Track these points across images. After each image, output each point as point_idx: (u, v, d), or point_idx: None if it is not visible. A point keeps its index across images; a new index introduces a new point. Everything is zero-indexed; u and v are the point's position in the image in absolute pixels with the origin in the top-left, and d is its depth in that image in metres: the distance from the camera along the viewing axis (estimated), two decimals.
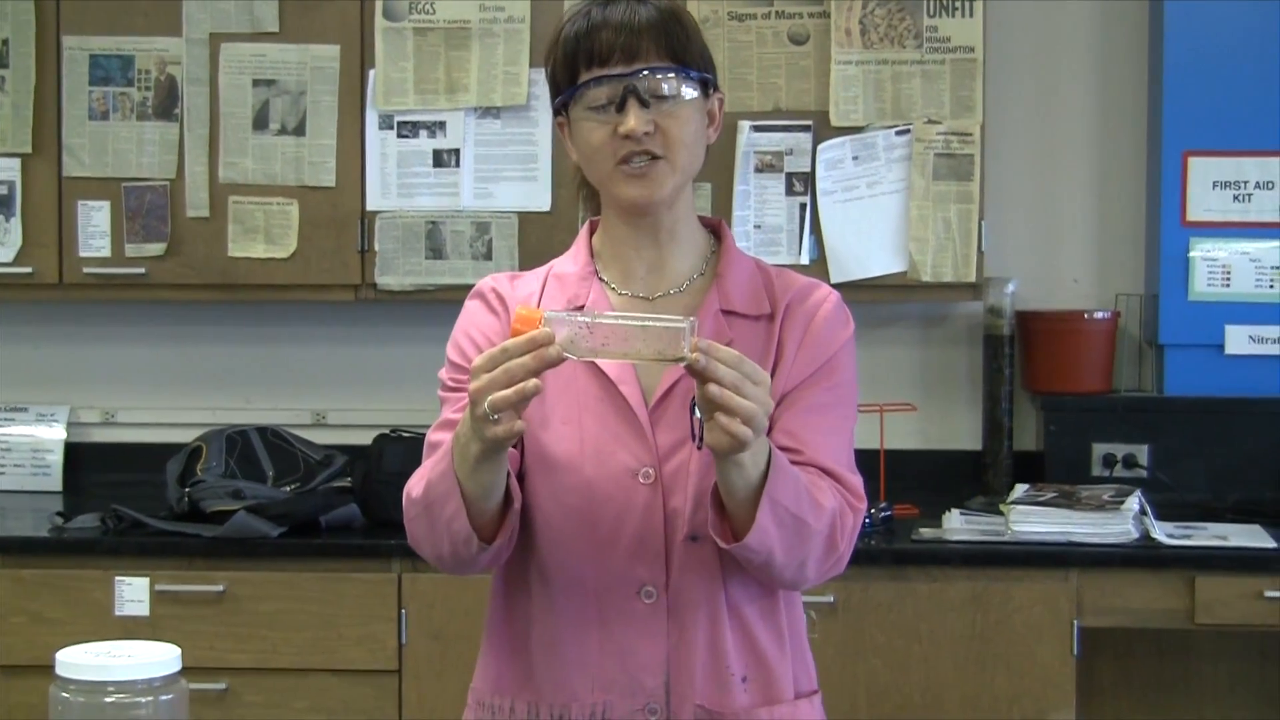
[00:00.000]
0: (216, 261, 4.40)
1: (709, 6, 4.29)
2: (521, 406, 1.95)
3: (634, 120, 2.15)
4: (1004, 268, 4.57)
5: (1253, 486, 4.35)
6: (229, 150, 4.40)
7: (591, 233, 2.35)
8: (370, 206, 4.39)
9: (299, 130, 4.39)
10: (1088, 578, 3.89)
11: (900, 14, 4.30)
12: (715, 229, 2.36)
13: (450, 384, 2.28)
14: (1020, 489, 4.19)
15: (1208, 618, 3.88)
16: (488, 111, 4.37)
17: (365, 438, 4.34)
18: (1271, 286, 4.38)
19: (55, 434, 4.79)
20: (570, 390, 2.21)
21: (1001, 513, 4.04)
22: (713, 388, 1.91)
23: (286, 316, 4.79)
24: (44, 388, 4.85)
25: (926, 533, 4.03)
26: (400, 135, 4.38)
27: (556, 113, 2.27)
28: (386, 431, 4.28)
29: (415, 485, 2.18)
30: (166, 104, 4.41)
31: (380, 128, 4.38)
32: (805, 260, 4.30)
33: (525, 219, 4.36)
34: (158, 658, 1.77)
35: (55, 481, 4.75)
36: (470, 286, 2.35)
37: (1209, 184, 4.40)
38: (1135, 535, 3.93)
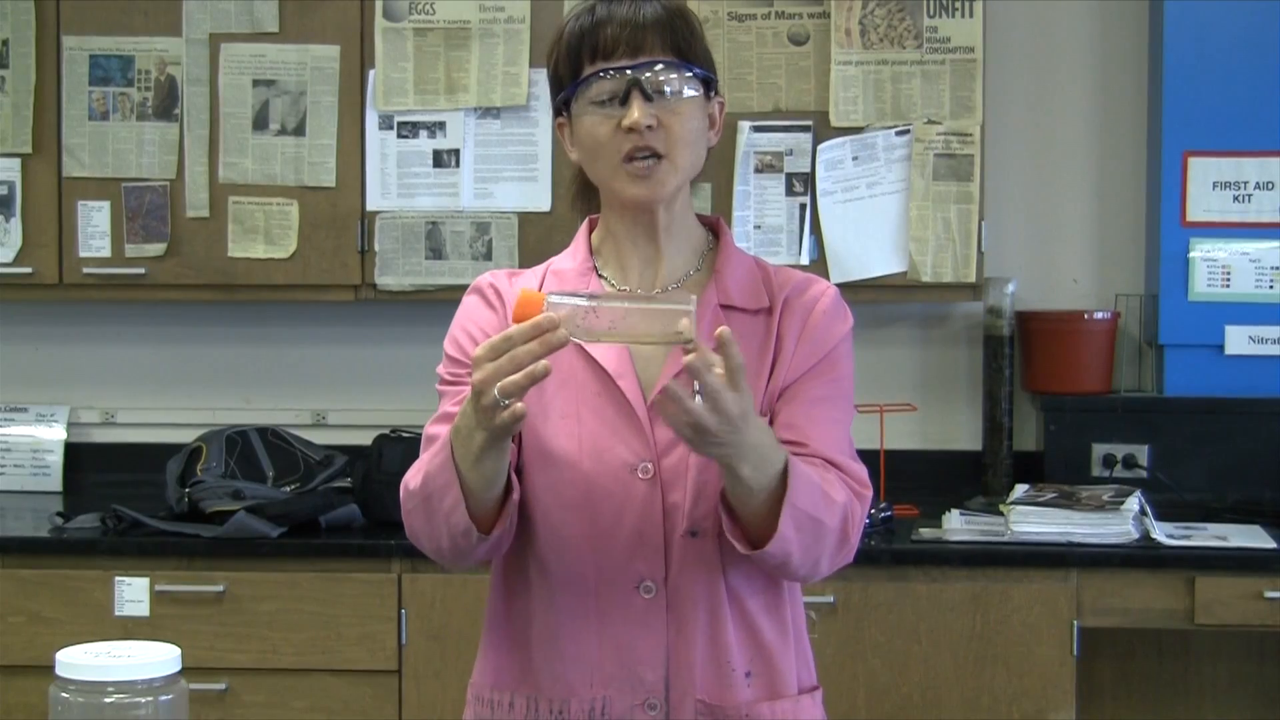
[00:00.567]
0: (216, 261, 4.40)
1: (709, 7, 4.29)
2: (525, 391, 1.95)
3: (638, 112, 2.16)
4: (1004, 268, 4.57)
5: (1253, 487, 4.34)
6: (229, 150, 4.40)
7: (590, 230, 2.36)
8: (370, 207, 4.39)
9: (299, 130, 4.39)
10: (1087, 578, 3.89)
11: (900, 14, 4.30)
12: (713, 227, 2.37)
13: (448, 378, 2.28)
14: (1020, 489, 4.19)
15: (1208, 618, 3.88)
16: (487, 112, 4.37)
17: (365, 438, 4.34)
18: (1271, 287, 4.38)
19: (55, 434, 4.79)
20: (569, 385, 2.21)
21: (1001, 513, 4.04)
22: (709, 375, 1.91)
23: (286, 317, 4.79)
24: (44, 388, 4.85)
25: (926, 533, 4.03)
26: (400, 135, 4.38)
27: (557, 112, 2.28)
28: (386, 432, 4.28)
29: (413, 478, 2.17)
30: (166, 104, 4.41)
31: (380, 128, 4.38)
32: (805, 260, 4.30)
33: (525, 219, 4.36)
34: (158, 658, 1.76)
35: (55, 482, 4.75)
36: (463, 291, 2.35)
37: (1209, 184, 4.40)
38: (1135, 535, 3.93)
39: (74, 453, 4.80)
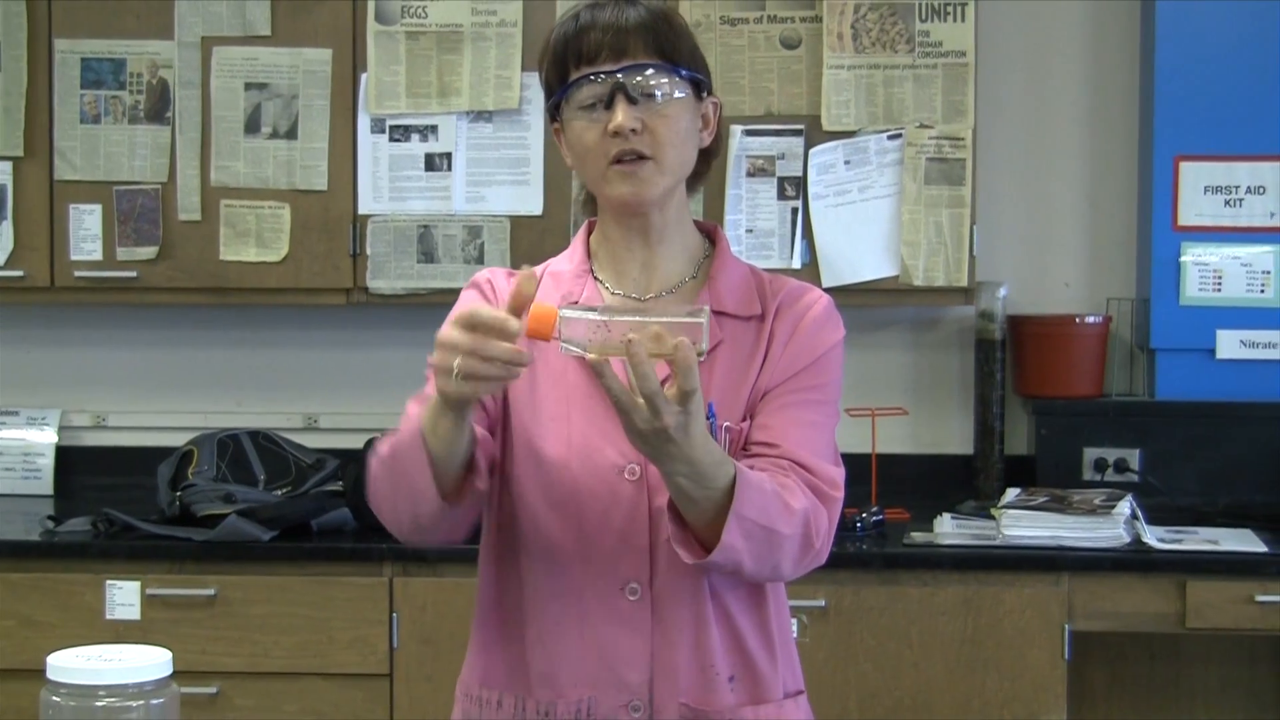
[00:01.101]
0: (208, 265, 4.40)
1: (701, 11, 4.30)
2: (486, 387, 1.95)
3: (622, 116, 2.16)
4: (996, 272, 4.57)
5: (1244, 491, 4.35)
6: (221, 154, 4.39)
7: (589, 233, 2.37)
8: (362, 210, 4.38)
9: (291, 134, 4.38)
10: (1079, 582, 3.90)
11: (892, 18, 4.30)
12: (710, 234, 2.37)
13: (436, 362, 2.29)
14: (1011, 493, 4.19)
15: (1199, 622, 3.89)
16: (479, 115, 4.37)
17: (357, 441, 4.33)
18: (1263, 291, 4.39)
19: (46, 437, 4.78)
20: (560, 385, 2.22)
21: (993, 517, 4.04)
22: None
23: (278, 320, 4.78)
24: (35, 391, 4.84)
25: (918, 536, 4.03)
26: (392, 139, 4.38)
27: (552, 117, 2.28)
28: (378, 435, 4.25)
29: (384, 445, 2.17)
30: (158, 107, 4.40)
31: (372, 131, 4.38)
32: (797, 264, 4.31)
33: (517, 223, 4.36)
34: (149, 661, 1.76)
35: (46, 485, 4.74)
36: (459, 292, 2.36)
37: (1200, 188, 4.41)
38: (1126, 539, 3.93)
39: (65, 456, 4.79)
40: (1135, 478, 4.38)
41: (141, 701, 1.74)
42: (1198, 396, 4.41)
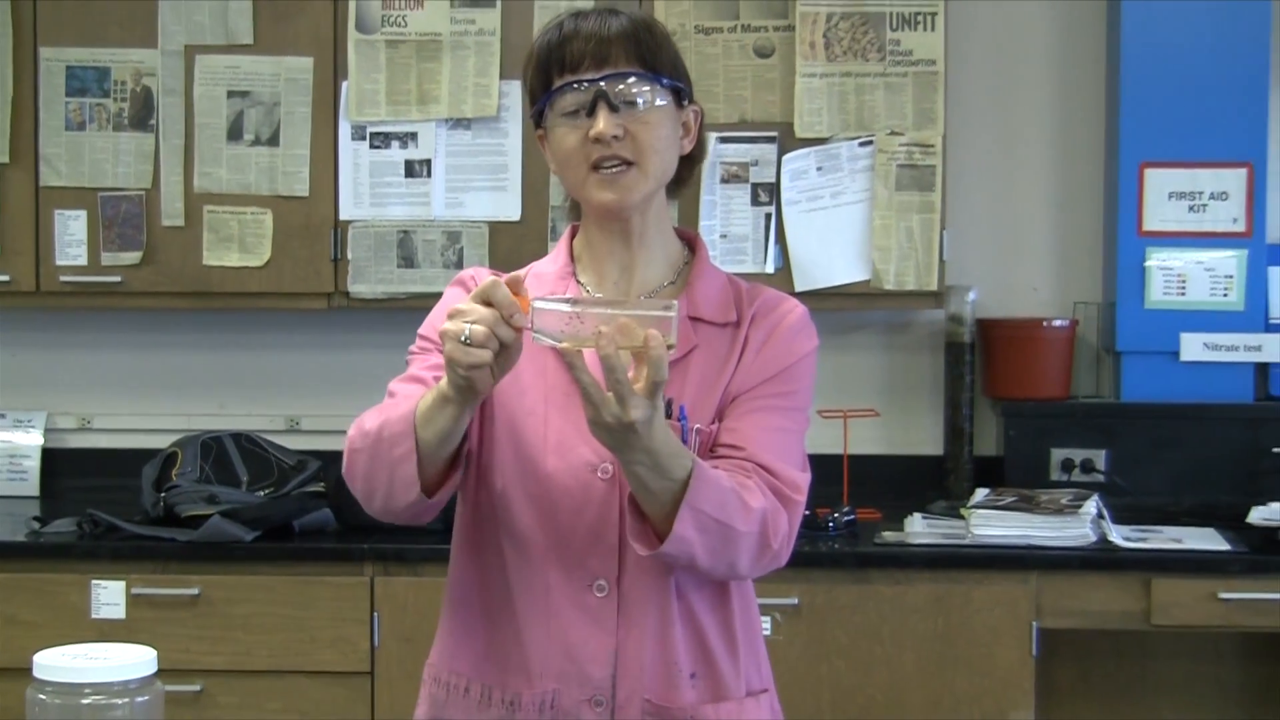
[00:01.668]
0: (191, 270, 4.39)
1: (676, 20, 4.30)
2: (496, 361, 1.98)
3: (603, 123, 2.17)
4: (965, 276, 4.58)
5: (1208, 490, 4.36)
6: (204, 160, 4.39)
7: (573, 237, 2.38)
8: (343, 216, 4.38)
9: (273, 141, 4.38)
10: (1046, 580, 3.91)
11: (863, 28, 4.31)
12: (690, 242, 2.38)
13: (416, 350, 2.32)
14: (981, 493, 4.20)
15: (1164, 619, 3.90)
16: (459, 123, 4.37)
17: (338, 443, 4.24)
18: (1226, 295, 4.40)
19: (32, 440, 4.77)
20: (540, 382, 2.23)
21: (962, 516, 4.05)
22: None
23: (260, 324, 4.78)
24: (21, 394, 4.83)
25: (889, 536, 4.03)
26: (372, 146, 4.38)
27: (536, 124, 2.29)
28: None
29: (369, 418, 2.18)
30: (142, 114, 4.40)
31: (353, 138, 4.38)
32: (770, 269, 4.31)
33: (495, 228, 4.36)
34: (133, 660, 1.76)
35: (32, 486, 4.73)
36: (441, 294, 2.36)
37: (1165, 195, 4.42)
38: (1093, 538, 3.94)
39: (51, 458, 4.78)
40: (1101, 478, 4.39)
41: (126, 699, 1.74)
42: (1162, 398, 4.42)
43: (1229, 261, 4.41)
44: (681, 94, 2.27)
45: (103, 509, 4.13)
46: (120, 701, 1.74)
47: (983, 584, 3.91)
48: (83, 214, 4.40)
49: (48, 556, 4.05)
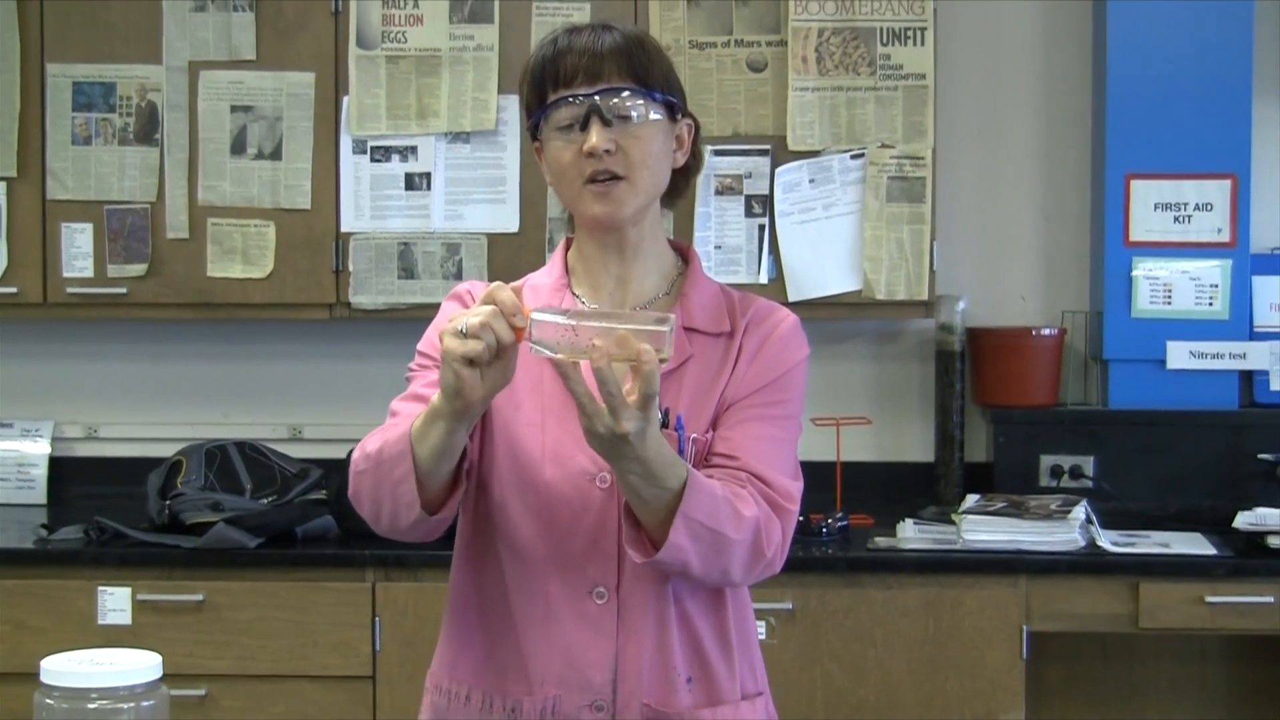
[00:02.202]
0: (196, 281, 4.39)
1: (671, 35, 4.30)
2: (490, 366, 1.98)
3: (595, 137, 2.17)
4: (955, 286, 4.58)
5: (1194, 495, 4.36)
6: (208, 174, 4.39)
7: (568, 249, 2.38)
8: (344, 228, 4.38)
9: (275, 155, 4.38)
10: (1036, 584, 3.91)
11: (854, 42, 4.31)
12: (684, 253, 2.38)
13: (415, 367, 2.31)
14: (971, 499, 4.20)
15: (1151, 622, 3.90)
16: (457, 136, 4.37)
17: (340, 451, 4.30)
18: (1211, 304, 4.40)
19: (40, 448, 4.76)
20: (537, 393, 2.23)
21: (953, 522, 4.05)
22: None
23: (263, 334, 4.77)
24: (29, 404, 4.82)
25: (881, 541, 4.03)
26: (373, 159, 4.38)
27: (533, 137, 2.29)
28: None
29: (371, 441, 2.17)
30: (147, 129, 4.40)
31: (354, 152, 4.38)
32: (764, 280, 4.31)
33: (494, 240, 4.36)
34: (139, 665, 1.76)
35: (40, 494, 4.73)
36: (440, 306, 2.36)
37: (1150, 205, 4.42)
38: (1081, 543, 3.94)
39: (58, 466, 4.77)
40: (1090, 484, 4.39)
41: (132, 704, 1.74)
42: (1149, 405, 4.42)
43: (1214, 271, 4.41)
44: (674, 108, 2.27)
45: (109, 516, 4.12)
46: (126, 706, 1.74)
47: (973, 588, 3.91)
48: (89, 227, 4.40)
49: (55, 563, 4.05)
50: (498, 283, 2.00)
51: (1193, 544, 4.02)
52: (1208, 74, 4.38)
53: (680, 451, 2.14)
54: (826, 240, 4.33)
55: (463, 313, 1.99)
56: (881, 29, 4.31)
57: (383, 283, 4.37)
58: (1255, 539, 4.00)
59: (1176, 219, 4.41)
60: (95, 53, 4.40)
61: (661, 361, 1.91)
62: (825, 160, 4.33)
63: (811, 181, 4.33)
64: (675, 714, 2.23)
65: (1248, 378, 4.46)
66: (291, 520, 4.12)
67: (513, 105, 4.30)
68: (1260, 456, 4.36)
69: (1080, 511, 4.00)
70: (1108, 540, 3.97)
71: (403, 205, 4.38)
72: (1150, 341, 4.42)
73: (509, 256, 4.32)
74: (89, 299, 4.41)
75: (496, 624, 2.26)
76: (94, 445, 4.83)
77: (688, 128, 2.31)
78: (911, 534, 4.08)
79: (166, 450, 4.41)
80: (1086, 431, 4.45)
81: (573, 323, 1.93)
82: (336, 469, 4.24)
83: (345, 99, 4.37)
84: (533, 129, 2.27)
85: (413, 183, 4.38)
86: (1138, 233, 4.43)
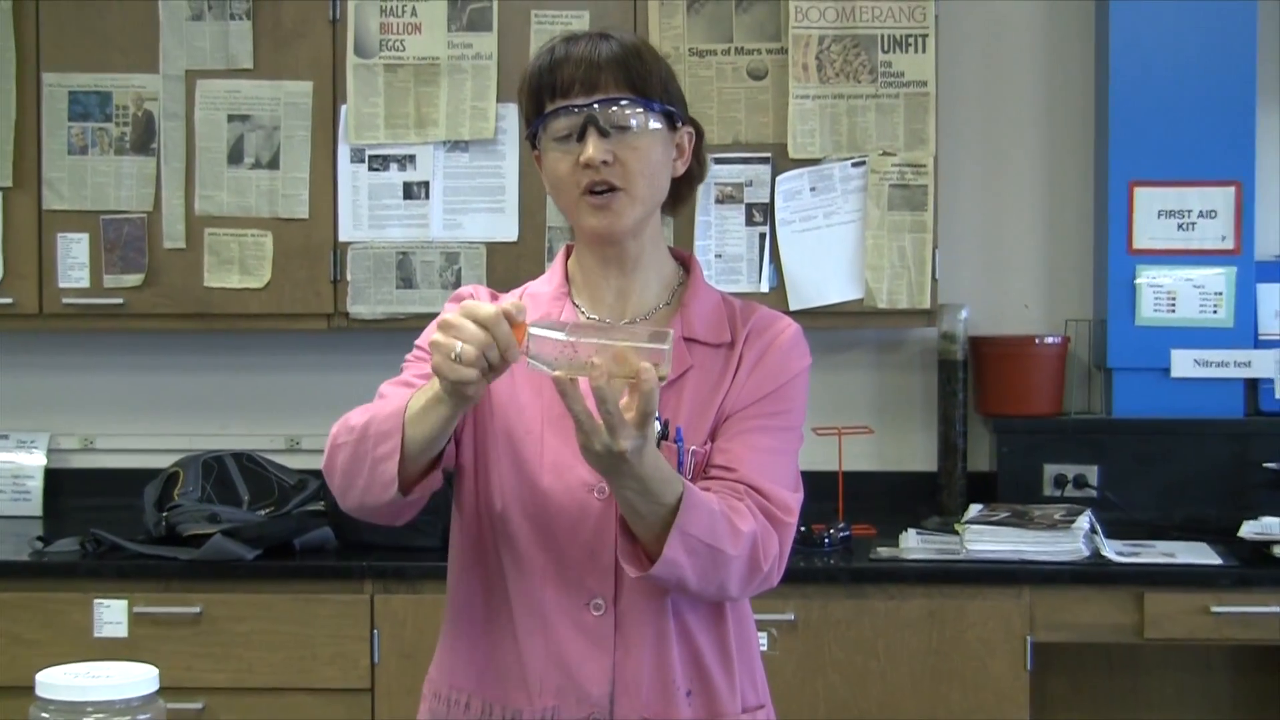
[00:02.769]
0: (193, 291, 4.39)
1: (670, 43, 4.30)
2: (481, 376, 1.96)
3: (592, 149, 2.17)
4: (957, 295, 4.58)
5: (1198, 505, 4.35)
6: (205, 183, 4.39)
7: (568, 257, 2.37)
8: (342, 237, 4.38)
9: (273, 164, 4.38)
10: (1040, 595, 3.90)
11: (855, 50, 4.31)
12: (685, 262, 2.38)
13: (411, 359, 2.31)
14: (974, 509, 4.19)
15: (1156, 632, 3.89)
16: (456, 145, 4.37)
17: None
18: (1215, 312, 4.40)
19: (36, 460, 4.76)
20: (537, 401, 2.23)
21: (956, 532, 4.04)
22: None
23: (261, 345, 4.77)
24: (25, 415, 4.82)
25: (884, 552, 4.03)
26: (371, 168, 4.38)
27: (532, 145, 2.28)
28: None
29: (356, 415, 2.17)
30: (144, 139, 4.40)
31: (352, 161, 4.38)
32: (765, 288, 4.31)
33: (493, 249, 4.36)
34: (136, 678, 1.75)
35: (36, 506, 4.72)
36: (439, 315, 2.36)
37: (1154, 213, 4.42)
38: (1086, 553, 3.93)
39: (54, 478, 4.77)
40: (1094, 493, 4.39)
41: (129, 717, 1.73)
42: (1153, 414, 4.42)
43: (1218, 279, 4.41)
44: (674, 117, 2.26)
45: (105, 528, 4.11)
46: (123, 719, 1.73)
47: (977, 599, 3.90)
48: (85, 237, 4.40)
49: (51, 576, 4.05)
50: (495, 312, 1.94)
51: (1198, 554, 4.01)
52: (1211, 80, 4.38)
53: (679, 464, 2.15)
54: (828, 249, 4.33)
55: (453, 327, 1.94)
56: (882, 36, 4.31)
57: (381, 292, 4.37)
58: (1261, 548, 4.00)
59: (1180, 226, 4.41)
60: (91, 62, 4.39)
61: (660, 380, 1.91)
62: (826, 168, 4.33)
63: (813, 190, 4.33)
64: None
65: (1253, 386, 4.47)
66: (289, 532, 4.12)
67: (512, 114, 4.31)
68: (1265, 465, 4.36)
69: (1084, 521, 3.99)
70: (1112, 550, 3.96)
71: (401, 214, 4.38)
72: (1154, 350, 4.41)
73: (508, 266, 4.31)
74: (85, 309, 4.41)
75: (495, 632, 2.25)
76: (90, 457, 4.82)
77: (688, 136, 2.31)
78: (914, 544, 4.08)
79: (163, 461, 4.41)
80: (1090, 441, 4.44)
81: (572, 339, 1.92)
82: None
83: (343, 108, 4.37)
84: (531, 138, 2.27)
85: (411, 192, 4.38)
86: (1141, 240, 4.43)
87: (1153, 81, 4.41)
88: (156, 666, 1.79)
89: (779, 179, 4.33)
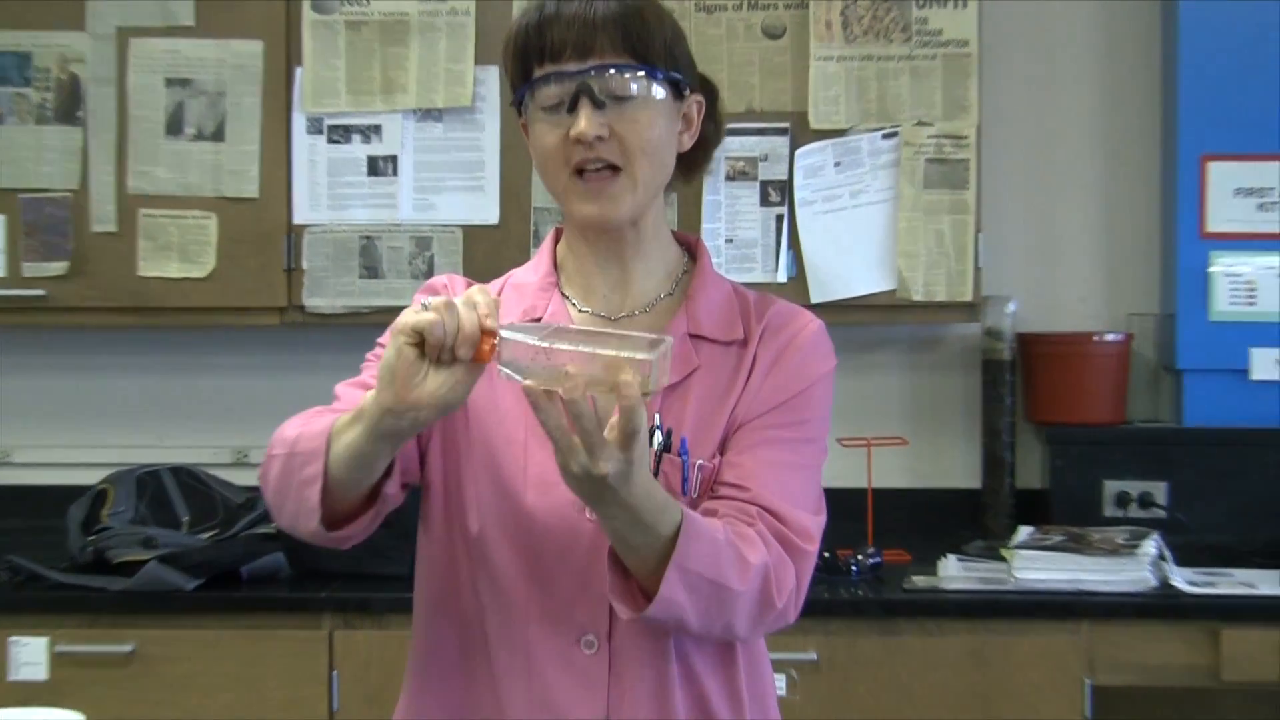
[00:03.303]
0: (125, 282, 4.39)
1: None
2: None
3: (585, 122, 2.15)
4: (1003, 285, 4.57)
5: None
6: (139, 158, 4.38)
7: (557, 241, 2.36)
8: (297, 220, 4.38)
9: (217, 135, 4.37)
10: (1100, 630, 3.89)
11: (886, 5, 4.31)
12: (691, 248, 2.36)
13: (372, 357, 2.30)
14: (1024, 532, 4.19)
15: (1235, 675, 3.88)
16: (428, 114, 4.36)
17: None
18: None
19: None
20: (520, 407, 2.18)
21: (1003, 558, 4.04)
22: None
23: (204, 343, 4.78)
24: None
25: (919, 581, 4.02)
26: (331, 140, 4.38)
27: (519, 112, 2.26)
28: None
29: (293, 424, 2.16)
30: (69, 106, 4.39)
31: (308, 132, 4.38)
32: (782, 278, 4.30)
33: (471, 233, 4.35)
34: None
35: None
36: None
37: (1230, 191, 4.41)
38: (1152, 582, 3.93)
39: None
40: (1161, 513, 4.39)
41: None
42: (1230, 422, 4.42)
43: None
44: (680, 84, 2.24)
45: (23, 554, 4.11)
46: None
47: (1027, 635, 3.89)
48: (1, 219, 4.40)
49: None
50: (479, 285, 1.95)
51: None
52: None
53: (684, 480, 2.13)
54: (855, 233, 4.33)
55: (438, 316, 1.93)
56: None
57: (342, 283, 4.36)
58: None
59: (1261, 206, 4.41)
60: (9, 18, 4.40)
61: (645, 396, 1.86)
62: (853, 140, 4.32)
63: (837, 165, 4.33)
64: None
65: None
66: (236, 558, 4.11)
67: (492, 78, 4.30)
68: None
69: (1150, 546, 4.00)
70: (1182, 579, 3.96)
71: (365, 193, 4.38)
72: (1230, 348, 4.42)
73: (488, 252, 4.31)
74: (1, 303, 4.40)
75: (471, 672, 2.24)
76: (6, 472, 4.83)
77: (697, 105, 2.29)
78: (955, 572, 4.07)
79: (91, 478, 4.40)
80: (1157, 453, 4.45)
81: (545, 344, 1.88)
82: None
83: (298, 71, 4.37)
84: (517, 104, 2.25)
85: (377, 167, 4.38)
86: (1215, 223, 4.43)
87: (1229, 40, 4.40)
88: (82, 713, 1.78)
89: (798, 153, 4.32)
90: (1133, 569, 3.93)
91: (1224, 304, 4.41)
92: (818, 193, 4.33)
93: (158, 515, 4.24)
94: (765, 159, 4.33)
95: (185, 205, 4.38)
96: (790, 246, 4.33)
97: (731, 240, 4.33)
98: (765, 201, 4.34)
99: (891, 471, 4.54)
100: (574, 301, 2.29)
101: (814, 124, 4.33)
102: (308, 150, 4.38)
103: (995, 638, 3.89)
